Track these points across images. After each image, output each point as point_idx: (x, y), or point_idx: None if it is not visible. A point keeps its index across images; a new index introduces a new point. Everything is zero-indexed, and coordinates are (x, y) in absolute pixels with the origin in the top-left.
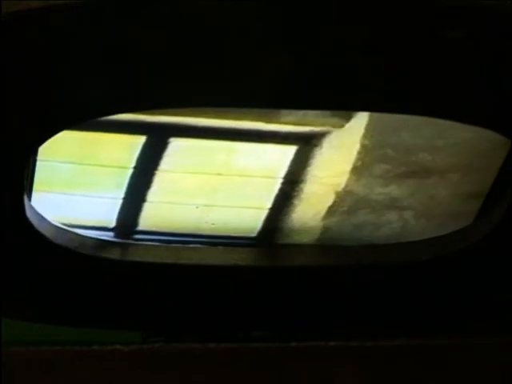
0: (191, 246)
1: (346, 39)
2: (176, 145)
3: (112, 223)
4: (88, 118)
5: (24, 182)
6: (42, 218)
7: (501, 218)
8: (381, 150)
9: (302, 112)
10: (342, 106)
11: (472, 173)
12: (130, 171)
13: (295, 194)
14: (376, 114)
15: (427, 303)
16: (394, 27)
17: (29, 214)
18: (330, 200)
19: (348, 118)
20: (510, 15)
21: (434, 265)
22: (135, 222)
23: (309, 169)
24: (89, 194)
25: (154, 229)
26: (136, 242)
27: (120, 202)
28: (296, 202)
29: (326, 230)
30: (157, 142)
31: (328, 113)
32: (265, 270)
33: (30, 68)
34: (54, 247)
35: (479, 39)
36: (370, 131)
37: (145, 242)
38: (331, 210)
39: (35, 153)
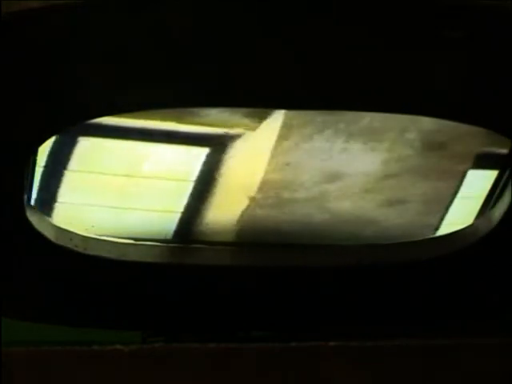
0: (191, 246)
1: (345, 39)
2: (85, 144)
3: None
4: (88, 118)
5: (24, 182)
6: (42, 218)
7: (501, 218)
8: (294, 153)
9: (215, 113)
10: (340, 105)
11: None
12: (41, 170)
13: (208, 196)
14: (290, 117)
15: (427, 303)
16: (394, 27)
17: (29, 214)
18: (243, 202)
19: (262, 120)
20: (510, 15)
21: (434, 265)
22: None
23: (222, 171)
24: None
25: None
26: (136, 242)
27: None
28: (209, 204)
29: (240, 232)
30: (66, 141)
31: (242, 114)
32: (265, 269)
33: (30, 68)
34: (54, 247)
35: (479, 39)
36: (283, 134)
37: (145, 242)
38: (245, 213)
39: (35, 153)
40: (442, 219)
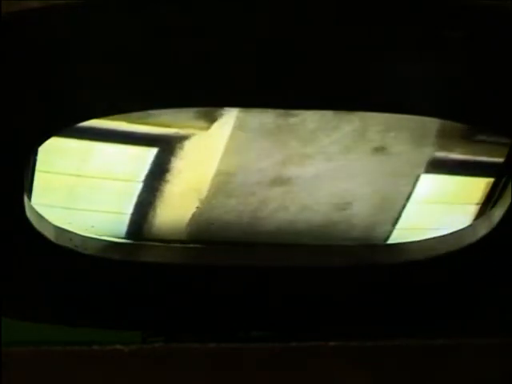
0: (191, 245)
1: (345, 39)
2: None
3: None
4: (88, 118)
5: (24, 181)
6: (41, 218)
7: (501, 218)
8: (245, 155)
9: (165, 113)
10: (339, 106)
11: None
12: None
13: (157, 198)
14: (242, 119)
15: (427, 303)
16: (394, 27)
17: (29, 214)
18: (193, 204)
19: (213, 121)
20: (510, 15)
21: (434, 265)
22: None
23: (171, 172)
24: None
25: None
26: (136, 242)
27: None
28: (158, 206)
29: (190, 233)
30: None
31: (193, 115)
32: (265, 269)
33: (30, 68)
34: (54, 247)
35: (479, 39)
36: (235, 135)
37: (145, 242)
38: (195, 214)
39: (35, 153)
40: (394, 223)
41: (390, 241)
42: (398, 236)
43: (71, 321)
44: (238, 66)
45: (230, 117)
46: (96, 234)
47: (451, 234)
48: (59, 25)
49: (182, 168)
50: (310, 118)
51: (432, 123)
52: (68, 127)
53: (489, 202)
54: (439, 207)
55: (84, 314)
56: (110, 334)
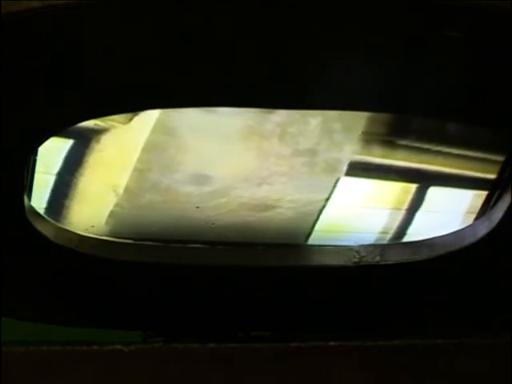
0: (191, 245)
1: (344, 39)
2: None
3: None
4: (88, 118)
5: (24, 182)
6: (41, 218)
7: (501, 218)
8: (165, 151)
9: None
10: (339, 106)
11: None
12: None
13: (71, 192)
14: (163, 115)
15: (427, 303)
16: (394, 27)
17: (29, 214)
18: (111, 199)
19: (134, 115)
20: (510, 15)
21: (434, 265)
22: None
23: (88, 165)
24: None
25: None
26: (136, 242)
27: None
28: (73, 200)
29: (109, 230)
30: None
31: None
32: (265, 269)
33: (30, 68)
34: (54, 247)
35: (479, 39)
36: (156, 130)
37: (145, 242)
38: (114, 209)
39: (35, 153)
40: (313, 226)
41: (309, 243)
42: (316, 238)
43: (71, 321)
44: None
45: (151, 112)
46: (96, 234)
47: (451, 233)
48: (59, 25)
49: (99, 162)
50: (232, 116)
51: (355, 126)
52: (68, 127)
53: (489, 201)
54: (359, 210)
55: (84, 314)
56: (110, 333)
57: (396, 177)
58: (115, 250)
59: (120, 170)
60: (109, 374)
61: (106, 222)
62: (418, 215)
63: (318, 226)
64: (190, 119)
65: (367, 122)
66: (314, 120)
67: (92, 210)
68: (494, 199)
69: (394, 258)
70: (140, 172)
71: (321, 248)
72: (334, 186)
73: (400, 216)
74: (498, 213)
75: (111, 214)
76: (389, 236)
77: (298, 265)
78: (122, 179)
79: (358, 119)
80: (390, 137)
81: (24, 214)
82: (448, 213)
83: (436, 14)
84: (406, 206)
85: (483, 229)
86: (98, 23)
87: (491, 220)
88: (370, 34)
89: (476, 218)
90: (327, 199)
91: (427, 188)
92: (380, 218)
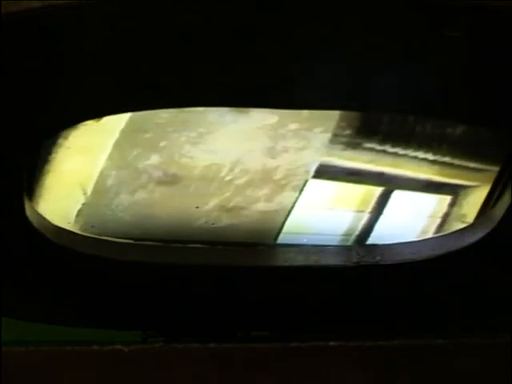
0: (191, 245)
1: (343, 39)
2: None
3: None
4: (88, 118)
5: (24, 182)
6: (42, 218)
7: (501, 218)
8: (134, 150)
9: None
10: (340, 106)
11: None
12: None
13: (38, 190)
14: (134, 114)
15: (427, 303)
16: (393, 26)
17: (29, 214)
18: (79, 198)
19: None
20: (510, 15)
21: (434, 265)
22: None
23: (53, 163)
24: None
25: None
26: (136, 242)
27: None
28: (41, 199)
29: (85, 229)
30: None
31: None
32: (265, 269)
33: (30, 68)
34: (54, 247)
35: (479, 39)
36: (126, 129)
37: (145, 242)
38: (82, 209)
39: (36, 152)
40: (281, 228)
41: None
42: (283, 239)
43: (71, 321)
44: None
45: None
46: (96, 234)
47: (451, 233)
48: (59, 25)
49: (66, 160)
50: (201, 116)
51: (324, 129)
52: (68, 127)
53: (489, 201)
54: (326, 212)
55: (84, 314)
56: (110, 333)
57: (362, 179)
58: (115, 249)
59: (88, 169)
60: (109, 374)
61: (75, 221)
62: (382, 218)
63: (285, 228)
64: (160, 118)
65: (336, 125)
66: (284, 122)
67: (59, 209)
68: (494, 199)
69: (393, 257)
70: (109, 170)
71: (321, 248)
72: (302, 189)
73: (364, 219)
74: (498, 213)
75: (79, 213)
76: (352, 238)
77: (298, 265)
78: (91, 178)
79: (327, 122)
80: (357, 139)
81: (24, 213)
82: (411, 217)
83: (436, 14)
84: (369, 208)
85: (483, 229)
86: (98, 23)
87: (491, 220)
88: (370, 34)
89: (476, 218)
90: (295, 201)
91: (391, 192)
92: (345, 220)
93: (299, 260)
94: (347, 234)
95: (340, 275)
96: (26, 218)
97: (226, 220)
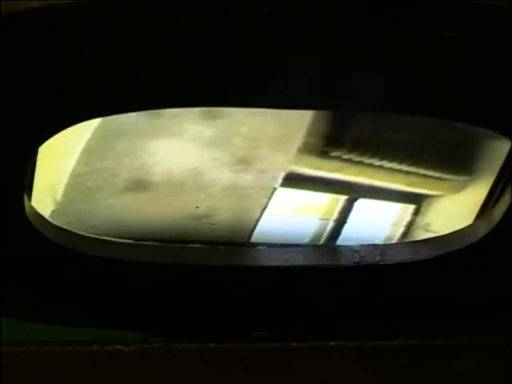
0: (191, 245)
1: (344, 38)
2: None
3: None
4: (88, 118)
5: (24, 182)
6: (42, 218)
7: (501, 218)
8: (104, 155)
9: None
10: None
11: None
12: None
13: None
14: (105, 118)
15: (427, 303)
16: (393, 26)
17: (29, 214)
18: (49, 205)
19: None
20: (510, 15)
21: (434, 265)
22: None
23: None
24: None
25: None
26: (136, 242)
27: None
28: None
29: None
30: None
31: None
32: (265, 269)
33: (30, 68)
34: (54, 247)
35: (479, 39)
36: (96, 134)
37: (145, 242)
38: (53, 215)
39: (35, 153)
40: (250, 234)
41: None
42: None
43: (71, 321)
44: None
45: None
46: (96, 234)
47: (451, 233)
48: (59, 25)
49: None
50: (173, 121)
51: (294, 135)
52: (68, 127)
53: (489, 201)
54: (294, 219)
55: (84, 314)
56: (110, 333)
57: (328, 188)
58: (115, 249)
59: (58, 174)
60: (109, 373)
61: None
62: (346, 226)
63: (254, 236)
64: (131, 123)
65: (304, 134)
66: (253, 130)
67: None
68: (494, 199)
69: (394, 257)
70: (79, 177)
71: (321, 248)
72: (270, 197)
73: (328, 226)
74: (498, 213)
75: (50, 217)
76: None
77: (297, 265)
78: (60, 184)
79: (296, 131)
80: (324, 148)
81: (24, 213)
82: (375, 225)
83: (436, 14)
84: (334, 217)
85: (483, 229)
86: (98, 23)
87: (491, 220)
88: (370, 34)
89: (476, 218)
90: (263, 209)
91: (355, 200)
92: (309, 227)
93: (299, 260)
94: (313, 241)
95: (340, 275)
96: (26, 218)
97: (196, 227)
